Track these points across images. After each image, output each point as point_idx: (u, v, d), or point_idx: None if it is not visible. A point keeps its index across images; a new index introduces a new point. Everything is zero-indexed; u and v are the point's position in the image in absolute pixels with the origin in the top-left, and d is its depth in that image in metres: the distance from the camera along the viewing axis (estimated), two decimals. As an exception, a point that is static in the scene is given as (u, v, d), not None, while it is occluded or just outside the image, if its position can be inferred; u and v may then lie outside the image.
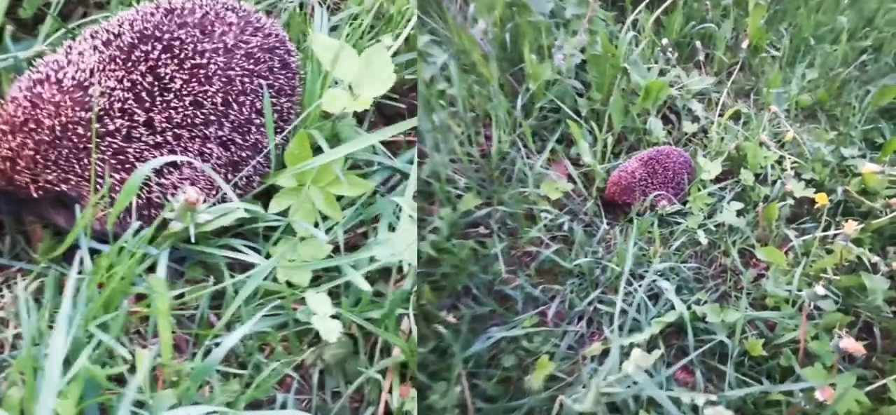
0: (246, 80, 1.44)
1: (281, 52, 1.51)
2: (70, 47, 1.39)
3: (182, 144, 1.38)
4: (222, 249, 1.45)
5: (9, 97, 1.36)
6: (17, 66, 1.58)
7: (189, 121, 1.38)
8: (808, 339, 1.40)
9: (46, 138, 1.32)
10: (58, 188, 1.35)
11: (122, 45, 1.37)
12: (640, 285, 1.50)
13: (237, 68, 1.43)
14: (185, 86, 1.37)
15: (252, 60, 1.45)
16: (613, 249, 1.65)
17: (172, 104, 1.37)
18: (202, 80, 1.39)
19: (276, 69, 1.49)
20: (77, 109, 1.32)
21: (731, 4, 2.58)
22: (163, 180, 1.39)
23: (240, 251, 1.45)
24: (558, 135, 1.96)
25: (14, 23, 1.72)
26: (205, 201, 1.37)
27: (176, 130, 1.38)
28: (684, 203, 1.82)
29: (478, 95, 2.00)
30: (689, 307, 1.47)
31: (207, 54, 1.40)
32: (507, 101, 2.00)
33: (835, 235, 1.66)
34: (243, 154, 1.46)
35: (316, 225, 1.51)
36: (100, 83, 1.34)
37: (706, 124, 2.14)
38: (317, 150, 1.54)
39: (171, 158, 1.37)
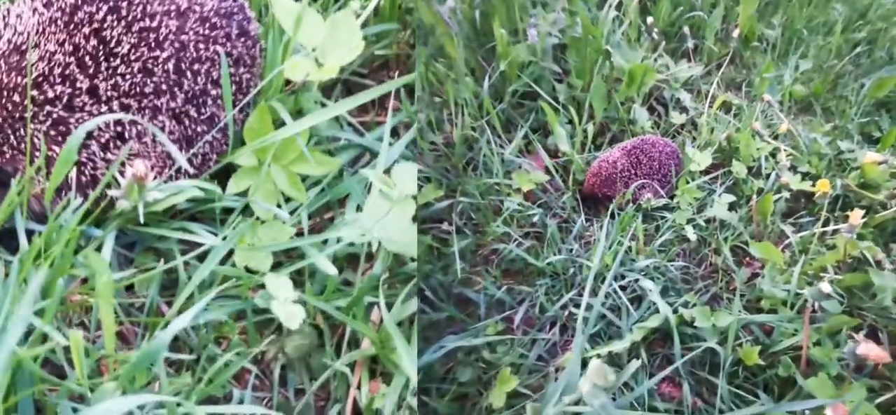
0: (201, 46, 1.28)
1: (239, 18, 1.35)
2: (8, 11, 1.23)
3: (130, 116, 1.22)
4: (175, 232, 1.26)
5: None
6: None
7: (138, 90, 1.23)
8: (809, 345, 1.20)
9: None
10: None
11: (63, 6, 1.22)
12: (620, 286, 1.30)
13: (191, 33, 1.27)
14: (133, 50, 1.23)
15: (207, 26, 1.29)
16: (592, 246, 1.45)
17: (119, 71, 1.22)
18: (152, 44, 1.24)
19: (233, 36, 1.33)
20: (13, 74, 1.18)
21: (721, -6, 2.40)
22: (108, 156, 1.22)
23: (194, 234, 1.26)
24: (532, 122, 1.76)
25: None
26: (155, 179, 1.20)
27: (123, 100, 1.22)
28: (671, 197, 1.63)
29: (443, 78, 1.81)
30: (675, 310, 1.27)
31: (158, 17, 1.25)
32: (476, 84, 1.80)
33: (835, 230, 1.48)
34: (198, 128, 1.30)
35: (278, 206, 1.33)
36: (38, 46, 1.18)
37: (695, 115, 1.94)
38: (279, 124, 1.36)
39: (113, 116, 1.19)
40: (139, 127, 1.22)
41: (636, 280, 1.32)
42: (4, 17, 1.23)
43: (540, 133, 1.76)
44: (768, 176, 1.68)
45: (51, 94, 1.19)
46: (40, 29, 1.20)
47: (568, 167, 1.68)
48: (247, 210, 1.32)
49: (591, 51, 1.85)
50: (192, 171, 1.30)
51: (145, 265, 1.28)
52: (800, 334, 1.22)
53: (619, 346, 1.19)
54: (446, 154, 1.63)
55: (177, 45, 1.25)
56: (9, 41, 1.19)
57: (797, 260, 1.39)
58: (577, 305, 1.30)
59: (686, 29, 2.17)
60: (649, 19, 2.07)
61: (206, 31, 1.28)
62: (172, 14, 1.26)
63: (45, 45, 1.19)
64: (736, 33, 2.25)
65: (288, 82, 1.43)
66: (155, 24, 1.24)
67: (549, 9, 1.96)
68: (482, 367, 1.20)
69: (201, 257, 1.24)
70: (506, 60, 1.78)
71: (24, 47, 1.18)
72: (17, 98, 1.17)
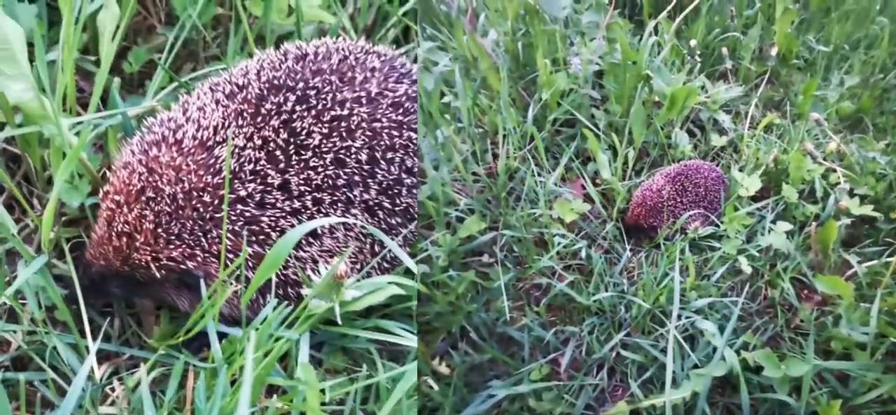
0: (394, 133, 1.08)
1: None
2: (187, 102, 1.06)
3: (323, 210, 1.04)
4: (370, 331, 1.06)
5: (121, 163, 1.03)
6: (125, 124, 1.21)
7: (330, 182, 1.04)
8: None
9: (168, 208, 0.99)
10: (183, 266, 1.01)
11: (249, 97, 1.04)
12: (674, 327, 1.07)
13: (383, 120, 1.07)
14: (324, 141, 1.04)
15: (400, 111, 1.09)
16: (638, 280, 1.22)
17: (311, 163, 1.03)
18: (344, 134, 1.05)
19: None
20: (201, 172, 1.00)
21: (756, 12, 2.13)
22: (301, 253, 1.03)
23: (391, 333, 1.06)
24: (574, 149, 1.54)
25: (119, 77, 1.36)
26: (350, 276, 1.00)
27: (316, 194, 1.03)
28: (717, 225, 1.38)
29: (486, 109, 1.61)
30: (738, 354, 1.03)
31: (348, 104, 1.06)
32: (518, 114, 1.59)
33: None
34: (393, 221, 1.09)
35: None
36: (227, 142, 1.00)
37: (735, 137, 1.69)
38: None
39: (319, 222, 1.00)
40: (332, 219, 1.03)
41: (692, 321, 1.09)
42: (185, 110, 1.04)
43: (579, 160, 1.54)
44: (822, 200, 1.42)
45: (242, 192, 1.01)
46: (226, 123, 1.01)
47: (608, 195, 1.45)
48: None
49: (631, 76, 1.62)
50: (386, 267, 1.11)
51: (335, 367, 1.09)
52: (885, 383, 0.97)
53: (676, 395, 0.96)
54: (489, 185, 1.43)
55: (369, 133, 1.06)
56: (193, 137, 1.01)
57: (865, 295, 1.13)
58: (626, 347, 1.07)
59: (724, 50, 1.92)
60: (692, 41, 1.83)
61: (399, 117, 1.09)
62: (363, 100, 1.07)
63: (234, 139, 1.01)
64: (773, 51, 1.98)
65: None
66: (346, 112, 1.06)
67: (587, 37, 1.74)
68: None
69: (395, 356, 1.05)
70: (548, 89, 1.57)
71: (209, 143, 1.00)
72: (206, 198, 1.00)
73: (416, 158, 1.08)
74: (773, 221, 1.34)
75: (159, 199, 0.99)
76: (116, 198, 1.00)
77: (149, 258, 1.00)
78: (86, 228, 1.15)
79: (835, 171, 1.47)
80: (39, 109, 1.08)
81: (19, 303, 1.08)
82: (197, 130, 1.01)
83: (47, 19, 1.30)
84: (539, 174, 1.43)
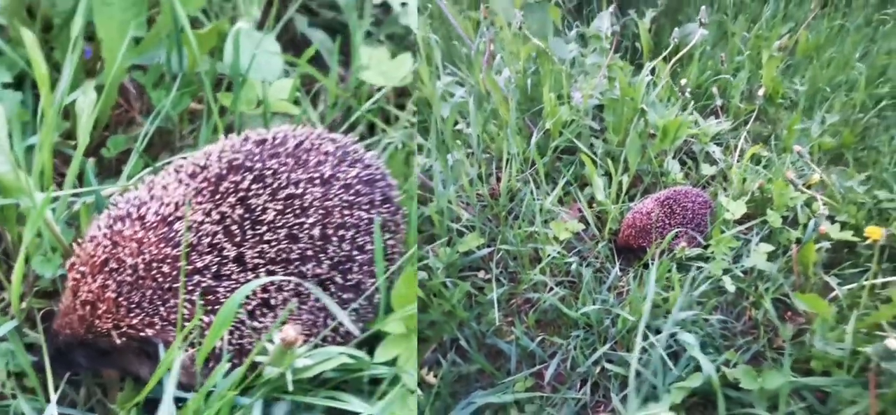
0: (346, 212, 0.99)
1: (382, 185, 1.06)
2: (153, 182, 0.98)
3: (277, 283, 0.95)
4: (324, 400, 0.95)
5: (88, 236, 0.95)
6: (98, 203, 1.14)
7: (284, 256, 0.95)
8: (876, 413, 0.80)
9: (129, 279, 0.91)
10: (142, 334, 0.92)
11: (209, 176, 0.96)
12: (656, 340, 0.94)
13: (335, 200, 0.99)
14: (278, 217, 0.95)
15: (351, 192, 1.01)
16: (626, 297, 1.09)
17: (265, 238, 0.95)
18: (297, 211, 0.96)
19: (377, 203, 1.03)
20: (161, 245, 0.92)
21: (745, 59, 1.99)
22: (256, 323, 0.94)
23: (344, 402, 0.94)
24: (572, 173, 1.43)
25: (98, 164, 1.28)
26: (303, 345, 0.90)
27: (269, 267, 0.94)
28: (705, 247, 1.24)
29: (495, 136, 1.52)
30: (718, 370, 0.90)
31: (303, 184, 0.97)
32: (523, 140, 1.50)
33: (886, 283, 1.05)
34: (344, 295, 1.00)
35: None
36: (186, 216, 0.92)
37: (725, 167, 1.55)
38: None
39: (265, 279, 0.92)
40: (285, 294, 0.94)
41: (674, 335, 0.96)
42: (151, 189, 0.97)
43: (577, 184, 1.43)
44: (804, 225, 1.26)
45: (199, 264, 0.92)
46: (187, 200, 0.95)
47: (603, 217, 1.33)
48: (396, 379, 0.99)
49: (628, 110, 1.50)
50: (339, 339, 1.00)
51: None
52: (861, 400, 0.82)
53: (656, 408, 0.84)
54: (491, 204, 1.33)
55: (322, 211, 0.98)
56: (156, 213, 0.93)
57: (846, 315, 0.98)
58: (610, 361, 0.95)
59: (714, 89, 1.78)
60: (683, 81, 1.70)
61: (350, 198, 1.00)
62: (317, 181, 0.98)
63: (192, 215, 0.94)
64: (761, 92, 1.83)
65: None
66: (300, 191, 0.97)
67: (590, 76, 1.64)
68: (511, 423, 0.88)
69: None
70: (552, 119, 1.47)
71: (170, 218, 0.92)
72: (166, 269, 0.91)
73: (366, 236, 0.98)
74: (759, 244, 1.20)
75: (121, 269, 0.91)
76: (82, 269, 0.92)
77: (110, 326, 0.91)
78: (58, 300, 1.04)
79: (816, 199, 1.31)
80: (16, 183, 0.99)
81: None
82: (159, 207, 0.93)
83: (32, 107, 1.21)
84: (538, 195, 1.32)
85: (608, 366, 0.94)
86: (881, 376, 0.83)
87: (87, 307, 0.91)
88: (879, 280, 1.05)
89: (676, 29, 1.77)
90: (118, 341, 0.92)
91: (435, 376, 0.91)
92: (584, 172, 1.39)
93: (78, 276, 0.92)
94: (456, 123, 1.48)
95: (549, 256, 1.13)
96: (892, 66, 2.18)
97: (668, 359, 0.92)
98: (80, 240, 0.95)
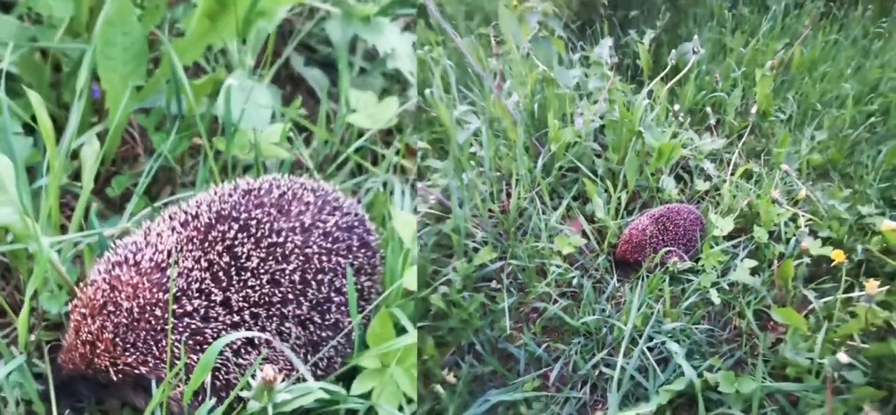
0: (324, 258, 1.07)
1: (360, 231, 1.14)
2: (149, 229, 1.06)
3: (260, 323, 1.03)
4: None
5: (89, 280, 1.04)
6: (101, 242, 1.20)
7: (266, 299, 1.03)
8: (837, 419, 0.91)
9: (125, 321, 0.99)
10: (137, 371, 1.01)
11: (199, 225, 1.04)
12: (648, 347, 1.06)
13: (314, 247, 1.06)
14: (261, 264, 1.03)
15: (330, 239, 1.08)
16: (623, 307, 1.21)
17: (249, 283, 1.03)
18: (279, 258, 1.04)
19: (354, 248, 1.11)
20: (155, 290, 1.00)
21: (740, 76, 2.08)
22: (240, 361, 1.03)
23: None
24: (574, 192, 1.54)
25: (103, 201, 1.36)
26: (283, 381, 0.98)
27: (253, 309, 1.02)
28: (696, 260, 1.35)
29: (504, 157, 1.63)
30: (700, 374, 1.01)
31: (284, 233, 1.05)
32: (530, 161, 1.61)
33: (858, 298, 1.15)
34: (323, 334, 1.08)
35: (400, 408, 1.10)
36: (177, 263, 1.02)
37: (718, 183, 1.65)
38: (400, 330, 1.13)
39: (246, 334, 1.01)
40: (268, 333, 1.03)
41: (663, 343, 1.07)
42: (146, 235, 1.05)
43: (580, 201, 1.54)
44: (788, 241, 1.36)
45: (189, 308, 1.00)
46: (178, 247, 1.02)
47: (603, 231, 1.44)
48: (370, 411, 1.09)
49: (627, 131, 1.61)
50: (318, 373, 1.09)
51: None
52: (826, 406, 0.93)
53: (646, 408, 0.95)
54: (501, 221, 1.45)
55: (302, 258, 1.05)
56: (150, 259, 1.01)
57: (821, 326, 1.08)
58: (608, 365, 1.06)
59: (708, 109, 1.88)
60: (676, 106, 1.81)
61: (329, 244, 1.08)
62: (297, 230, 1.06)
63: (183, 262, 1.01)
64: (754, 110, 1.92)
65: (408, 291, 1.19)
66: (281, 239, 1.04)
67: (591, 99, 1.75)
68: (520, 420, 1.00)
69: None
70: (556, 143, 1.58)
71: (163, 265, 1.01)
72: (158, 312, 0.99)
73: (344, 280, 1.07)
74: (744, 259, 1.30)
75: (118, 312, 0.99)
76: (83, 310, 1.00)
77: (108, 363, 1.00)
78: (63, 332, 1.12)
79: (800, 215, 1.41)
80: (24, 230, 1.07)
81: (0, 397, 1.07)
82: (154, 253, 1.01)
83: (44, 147, 1.27)
84: (544, 212, 1.44)
85: (605, 370, 1.06)
86: (844, 383, 0.94)
87: (88, 346, 0.99)
88: (853, 295, 1.15)
89: (674, 50, 1.88)
90: (115, 378, 1.00)
91: (455, 376, 1.03)
92: (587, 189, 1.50)
93: (79, 317, 1.00)
94: (470, 144, 1.59)
95: (554, 272, 1.24)
96: (885, 79, 2.25)
97: (658, 365, 1.04)
98: (82, 282, 1.04)
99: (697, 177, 1.66)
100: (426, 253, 1.21)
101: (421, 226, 1.28)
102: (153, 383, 1.00)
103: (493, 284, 1.25)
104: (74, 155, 1.28)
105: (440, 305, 1.11)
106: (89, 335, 1.00)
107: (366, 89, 1.57)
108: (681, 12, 2.39)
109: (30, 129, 1.27)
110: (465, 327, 1.11)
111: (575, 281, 1.25)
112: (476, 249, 1.29)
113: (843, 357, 0.89)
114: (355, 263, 1.10)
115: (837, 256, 1.14)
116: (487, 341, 1.11)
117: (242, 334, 1.00)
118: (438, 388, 0.99)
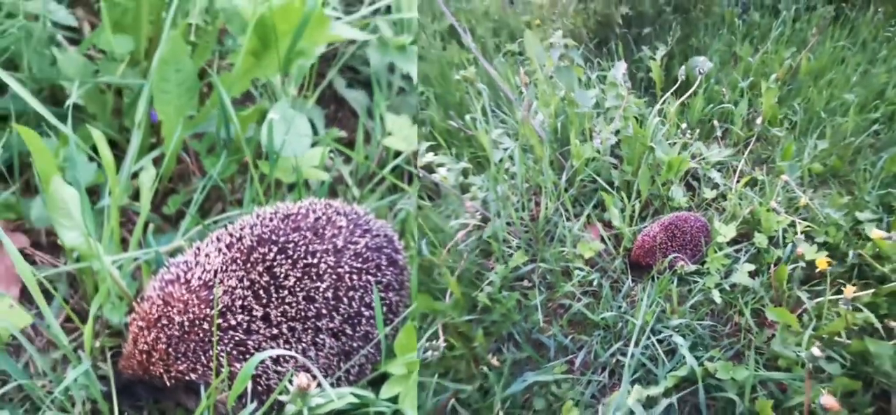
0: (354, 277, 1.16)
1: (388, 250, 1.22)
2: (198, 249, 1.16)
3: (296, 335, 1.12)
4: None
5: (145, 295, 1.14)
6: (157, 259, 1.30)
7: (302, 314, 1.12)
8: (813, 402, 1.07)
9: (177, 333, 1.09)
10: (187, 377, 1.11)
11: (242, 247, 1.13)
12: (657, 340, 1.23)
13: (346, 266, 1.15)
14: (298, 283, 1.12)
15: (360, 259, 1.17)
16: (636, 304, 1.38)
17: (287, 300, 1.12)
18: (314, 277, 1.13)
19: (383, 266, 1.20)
20: (203, 306, 1.09)
21: (746, 87, 2.20)
22: (279, 368, 1.13)
23: None
24: (594, 202, 1.71)
25: (160, 217, 1.46)
26: (317, 387, 1.06)
27: (290, 323, 1.12)
28: (702, 264, 1.51)
29: (532, 171, 1.80)
30: (701, 363, 1.18)
31: (318, 254, 1.14)
32: (555, 174, 1.78)
33: (841, 299, 1.30)
34: (354, 344, 1.17)
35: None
36: (222, 282, 1.11)
37: (724, 191, 1.80)
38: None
39: (284, 352, 1.11)
40: (304, 344, 1.12)
41: (670, 336, 1.25)
42: (196, 255, 1.14)
43: (599, 210, 1.71)
44: (787, 245, 1.51)
45: (233, 322, 1.09)
46: (224, 267, 1.11)
47: (619, 237, 1.61)
48: (397, 414, 1.17)
49: (640, 146, 1.77)
50: (351, 379, 1.19)
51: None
52: (813, 392, 1.09)
53: (655, 390, 1.13)
54: (531, 228, 1.63)
55: (334, 276, 1.14)
56: (199, 278, 1.11)
57: (810, 324, 1.24)
58: (623, 354, 1.24)
59: (715, 121, 2.01)
60: (683, 124, 1.95)
61: (360, 264, 1.17)
62: (330, 251, 1.15)
63: (227, 280, 1.11)
64: (759, 120, 2.05)
65: None
66: (316, 260, 1.13)
67: (608, 117, 1.91)
68: (551, 398, 1.18)
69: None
70: (578, 160, 1.75)
71: (211, 283, 1.11)
72: (206, 325, 1.09)
73: (372, 296, 1.17)
74: (744, 263, 1.46)
75: (171, 325, 1.09)
76: (140, 323, 1.11)
77: (162, 370, 1.10)
78: (124, 339, 1.21)
79: (797, 222, 1.55)
80: (89, 251, 1.18)
81: (68, 398, 1.18)
82: (202, 272, 1.11)
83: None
84: (568, 221, 1.61)
85: (621, 358, 1.24)
86: (822, 373, 1.10)
87: (144, 355, 1.10)
88: (840, 297, 1.30)
89: (683, 66, 2.01)
90: (168, 383, 1.11)
91: (498, 360, 1.21)
92: (604, 200, 1.67)
93: (136, 329, 1.11)
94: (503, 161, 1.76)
95: (577, 274, 1.41)
96: (892, 85, 2.33)
97: (665, 355, 1.21)
98: (139, 297, 1.15)
99: (705, 185, 1.81)
100: (473, 256, 1.39)
101: (467, 235, 1.47)
102: (202, 388, 1.10)
103: (526, 283, 1.43)
104: (134, 175, 1.37)
105: (485, 301, 1.30)
106: (145, 345, 1.10)
107: (402, 111, 1.71)
108: (692, 24, 2.50)
109: (95, 150, 1.39)
110: (505, 319, 1.29)
111: (595, 281, 1.43)
112: (511, 254, 1.48)
113: (816, 351, 1.04)
114: (384, 279, 1.19)
115: (821, 263, 1.29)
116: (523, 331, 1.29)
117: (280, 351, 1.10)
118: (486, 369, 1.18)
